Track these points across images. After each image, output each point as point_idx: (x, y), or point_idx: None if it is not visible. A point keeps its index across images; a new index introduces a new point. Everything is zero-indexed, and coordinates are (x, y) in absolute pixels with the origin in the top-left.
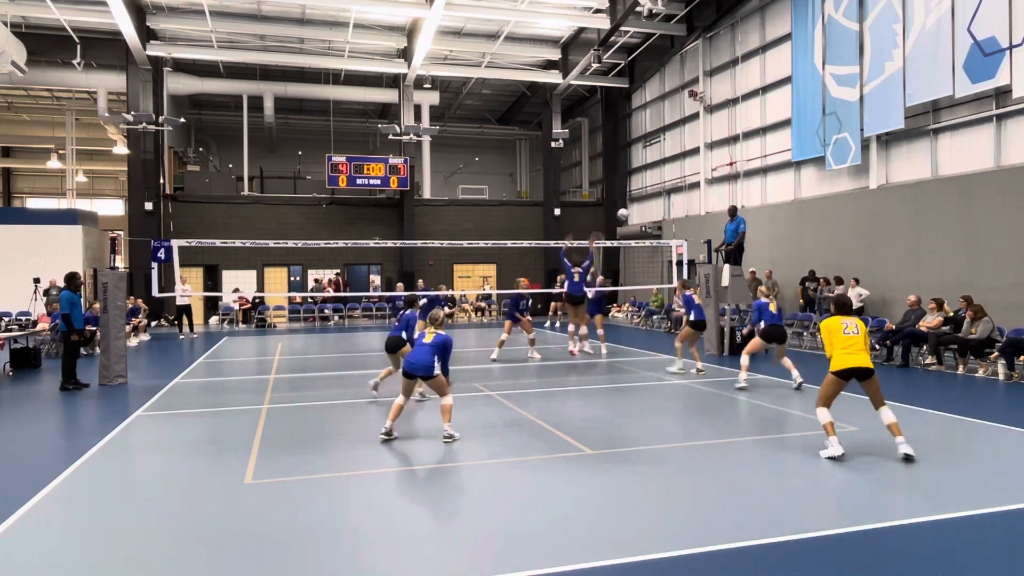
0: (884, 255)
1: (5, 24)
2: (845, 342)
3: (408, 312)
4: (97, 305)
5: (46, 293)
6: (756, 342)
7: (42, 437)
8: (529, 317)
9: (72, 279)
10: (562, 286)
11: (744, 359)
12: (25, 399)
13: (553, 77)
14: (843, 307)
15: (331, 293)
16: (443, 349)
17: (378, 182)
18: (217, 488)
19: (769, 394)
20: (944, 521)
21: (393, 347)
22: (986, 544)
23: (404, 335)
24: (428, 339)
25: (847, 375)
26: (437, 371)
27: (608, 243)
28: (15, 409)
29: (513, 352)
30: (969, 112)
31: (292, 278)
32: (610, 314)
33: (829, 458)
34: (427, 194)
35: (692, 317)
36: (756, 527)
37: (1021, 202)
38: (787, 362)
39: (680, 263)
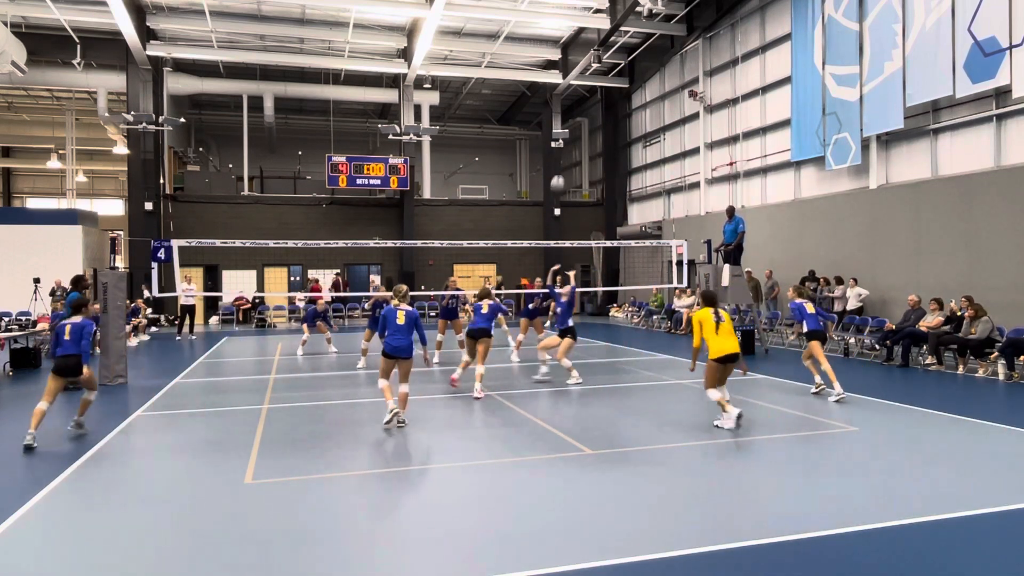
0: (884, 255)
1: (5, 24)
2: (718, 330)
3: (81, 320)
4: (97, 305)
5: (52, 294)
6: (816, 347)
7: (42, 437)
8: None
9: (79, 282)
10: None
11: (823, 365)
12: (25, 399)
13: (553, 77)
14: (710, 300)
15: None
16: (416, 324)
17: (378, 182)
18: (217, 488)
19: (769, 394)
20: (944, 521)
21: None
22: (986, 544)
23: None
24: (400, 319)
25: (726, 360)
26: (417, 351)
27: (608, 243)
28: (15, 409)
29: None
30: (969, 112)
31: (292, 278)
32: (610, 313)
33: (723, 427)
34: (427, 194)
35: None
36: (756, 527)
37: (1021, 202)
38: (827, 366)
39: (680, 263)
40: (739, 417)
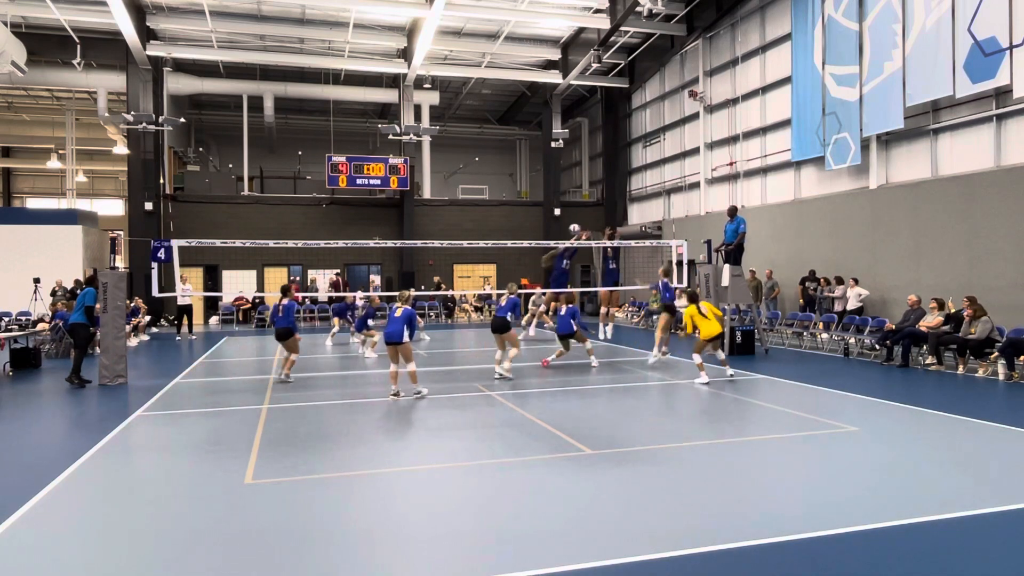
0: (884, 255)
1: (5, 24)
2: (704, 321)
3: (287, 302)
4: (98, 305)
5: (52, 294)
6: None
7: (42, 437)
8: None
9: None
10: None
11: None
12: (25, 399)
13: (553, 77)
14: (694, 298)
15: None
16: (411, 320)
17: (378, 182)
18: (217, 488)
19: (769, 394)
20: (944, 521)
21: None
22: (986, 544)
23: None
24: (398, 313)
25: (714, 339)
26: (406, 339)
27: (608, 243)
28: (15, 409)
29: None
30: (969, 112)
31: (292, 278)
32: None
33: (703, 384)
34: (427, 194)
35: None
36: (756, 527)
37: (1021, 202)
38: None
39: (680, 263)
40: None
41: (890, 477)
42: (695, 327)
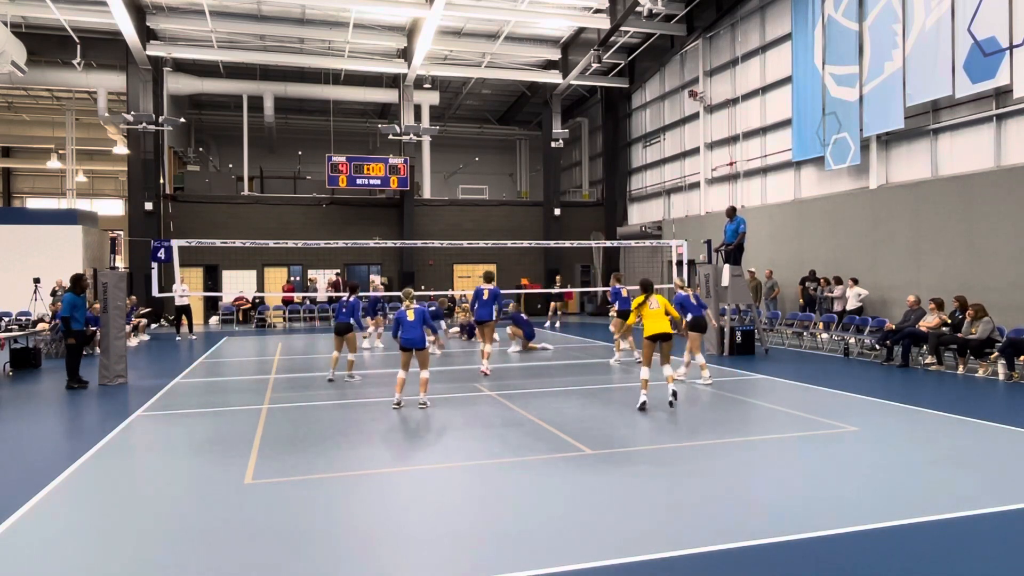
0: (884, 255)
1: (5, 24)
2: (651, 315)
3: (352, 299)
4: (97, 305)
5: (53, 294)
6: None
7: (42, 437)
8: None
9: (78, 281)
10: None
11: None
12: (25, 399)
13: (553, 77)
14: (648, 288)
15: (289, 294)
16: (426, 318)
17: (378, 182)
18: (217, 488)
19: (769, 394)
20: (944, 521)
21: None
22: (986, 544)
23: (352, 320)
24: (411, 316)
25: (655, 339)
26: (428, 344)
27: (608, 243)
28: (15, 409)
29: (514, 352)
30: (969, 112)
31: (292, 278)
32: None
33: (640, 407)
34: (427, 194)
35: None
36: (756, 527)
37: (1021, 202)
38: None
39: (680, 263)
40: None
41: (890, 477)
42: (639, 320)
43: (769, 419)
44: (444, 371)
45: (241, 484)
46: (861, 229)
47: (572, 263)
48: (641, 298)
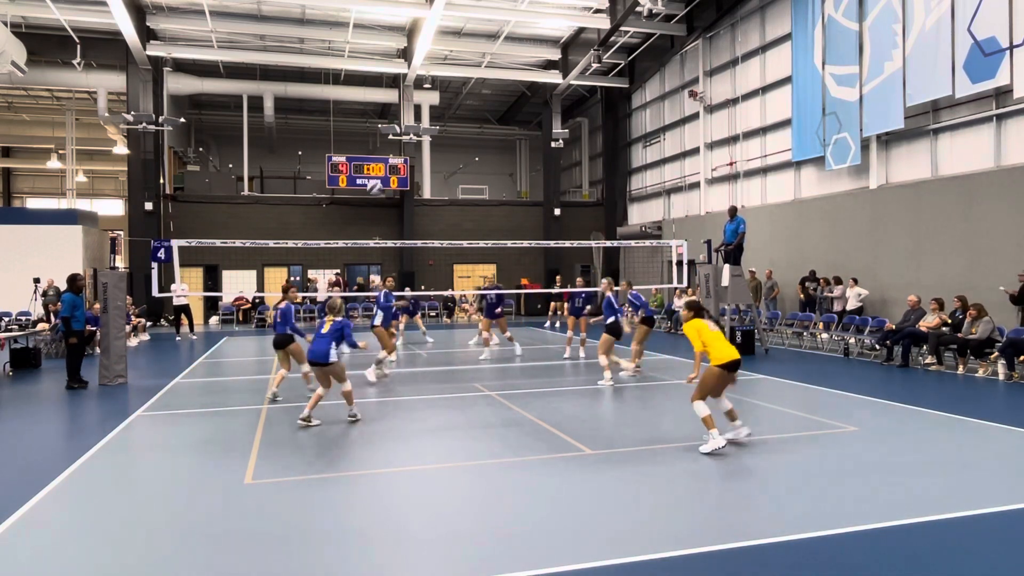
0: (884, 255)
1: (5, 24)
2: (717, 337)
3: (284, 305)
4: (97, 305)
5: (44, 294)
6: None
7: (42, 437)
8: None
9: (74, 280)
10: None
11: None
12: (25, 399)
13: (553, 77)
14: (700, 310)
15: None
16: (341, 335)
17: (378, 182)
18: (217, 488)
19: (769, 394)
20: (944, 521)
21: (281, 343)
22: (986, 544)
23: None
24: (326, 328)
25: (732, 366)
26: (333, 359)
27: (608, 243)
28: (15, 409)
29: (511, 352)
30: (969, 112)
31: (292, 278)
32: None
33: (710, 453)
34: (427, 194)
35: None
36: (756, 527)
37: (1021, 202)
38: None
39: (680, 263)
40: (724, 446)
41: (890, 477)
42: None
43: (769, 419)
44: (444, 371)
45: (241, 484)
46: (861, 229)
47: (572, 263)
48: (698, 320)
